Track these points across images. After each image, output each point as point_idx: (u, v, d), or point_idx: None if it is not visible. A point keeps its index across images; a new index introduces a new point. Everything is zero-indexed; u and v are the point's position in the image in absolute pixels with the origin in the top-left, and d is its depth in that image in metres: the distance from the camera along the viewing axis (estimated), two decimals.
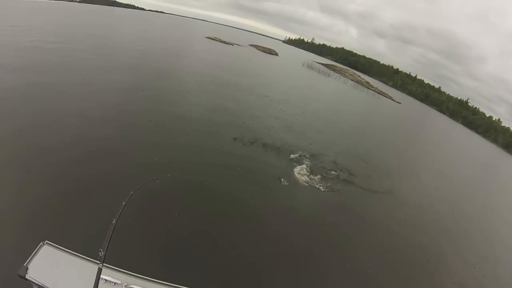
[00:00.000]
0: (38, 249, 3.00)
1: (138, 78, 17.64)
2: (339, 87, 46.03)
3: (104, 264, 2.55)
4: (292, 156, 11.98)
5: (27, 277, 2.73)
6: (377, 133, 23.40)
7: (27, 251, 3.11)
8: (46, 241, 3.07)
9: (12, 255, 4.76)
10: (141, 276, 2.81)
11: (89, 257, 2.86)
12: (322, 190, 10.29)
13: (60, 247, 3.01)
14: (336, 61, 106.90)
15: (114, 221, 2.85)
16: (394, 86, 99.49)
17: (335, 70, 75.07)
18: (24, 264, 2.80)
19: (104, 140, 9.78)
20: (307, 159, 12.09)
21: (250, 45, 78.49)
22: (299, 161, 11.71)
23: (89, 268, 2.79)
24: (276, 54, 68.40)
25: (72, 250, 2.98)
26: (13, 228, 5.83)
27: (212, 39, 63.50)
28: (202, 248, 6.39)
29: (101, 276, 2.65)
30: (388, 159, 17.48)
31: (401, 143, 23.18)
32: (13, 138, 8.38)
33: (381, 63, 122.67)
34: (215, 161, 10.10)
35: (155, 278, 2.84)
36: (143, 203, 6.39)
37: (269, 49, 70.96)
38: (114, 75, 17.15)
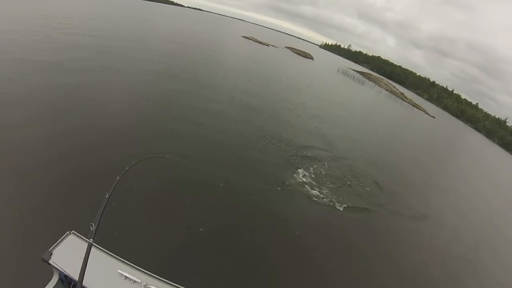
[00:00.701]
0: (64, 237, 3.08)
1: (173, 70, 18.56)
2: (372, 96, 45.20)
3: (121, 259, 2.67)
4: (305, 165, 11.16)
5: (50, 261, 2.79)
6: (406, 147, 22.22)
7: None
8: (73, 231, 3.15)
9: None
10: (160, 278, 2.83)
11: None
12: (339, 207, 9.40)
13: (86, 239, 3.00)
14: (372, 70, 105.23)
15: (107, 196, 2.87)
16: (429, 99, 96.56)
17: (369, 78, 73.89)
18: (49, 249, 2.87)
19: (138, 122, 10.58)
20: (321, 165, 11.61)
21: (286, 47, 78.64)
22: (307, 167, 11.06)
23: (111, 263, 2.89)
24: (311, 58, 68.00)
25: (95, 243, 2.95)
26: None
27: (248, 38, 64.18)
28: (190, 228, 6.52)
29: (121, 272, 2.76)
30: (414, 176, 16.16)
31: (431, 160, 21.56)
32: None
33: (417, 74, 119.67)
34: (230, 157, 10.14)
35: (170, 280, 2.83)
36: (137, 179, 6.84)
37: (305, 52, 70.78)
38: (152, 66, 18.23)
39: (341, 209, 9.35)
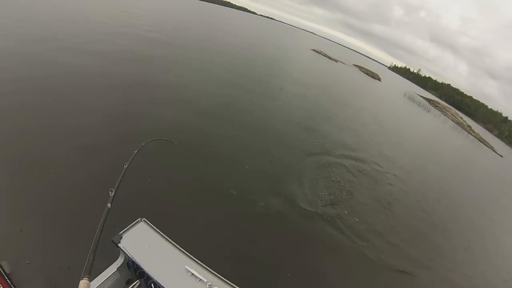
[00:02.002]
0: (135, 223, 3.25)
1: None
2: (436, 126, 44.28)
3: (189, 254, 2.76)
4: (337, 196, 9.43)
5: (119, 245, 2.94)
6: (464, 187, 18.60)
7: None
8: (144, 218, 3.31)
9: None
10: (226, 280, 2.87)
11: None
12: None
13: (156, 229, 3.20)
14: (440, 97, 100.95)
15: (125, 166, 3.01)
16: (499, 136, 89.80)
17: (436, 106, 71.45)
18: (119, 233, 3.03)
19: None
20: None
21: (354, 65, 78.92)
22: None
23: (179, 258, 3.00)
24: (379, 79, 67.64)
25: (163, 233, 3.16)
26: None
27: (317, 52, 65.76)
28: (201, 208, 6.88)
29: (188, 268, 2.87)
30: (467, 224, 12.77)
31: (492, 207, 17.51)
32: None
33: (489, 107, 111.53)
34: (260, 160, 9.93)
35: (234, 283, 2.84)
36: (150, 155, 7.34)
37: (373, 72, 70.69)
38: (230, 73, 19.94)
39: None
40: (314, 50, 67.02)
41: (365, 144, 16.07)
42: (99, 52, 15.75)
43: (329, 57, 64.59)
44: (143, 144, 3.72)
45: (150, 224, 3.27)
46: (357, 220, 8.65)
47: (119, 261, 3.08)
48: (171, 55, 20.10)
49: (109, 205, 2.22)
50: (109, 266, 3.02)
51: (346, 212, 8.75)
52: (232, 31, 51.15)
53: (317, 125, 15.61)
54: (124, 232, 3.08)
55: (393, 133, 22.35)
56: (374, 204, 10.15)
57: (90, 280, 1.60)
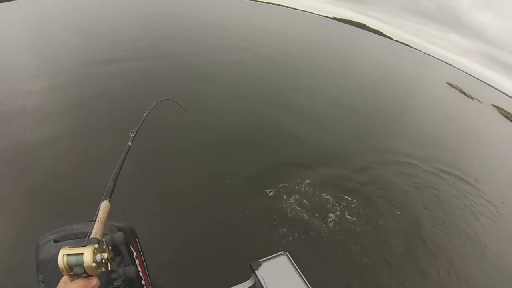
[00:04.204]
0: (277, 255, 3.28)
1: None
2: None
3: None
4: None
5: (256, 272, 2.99)
6: None
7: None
8: (287, 253, 3.31)
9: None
10: None
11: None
12: None
13: (297, 267, 3.17)
14: None
15: (145, 114, 3.05)
16: None
17: None
18: (259, 260, 3.09)
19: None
20: None
21: (493, 105, 70.09)
22: None
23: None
24: None
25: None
26: None
27: (452, 86, 61.04)
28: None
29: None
30: None
31: None
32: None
33: None
34: None
35: None
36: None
37: None
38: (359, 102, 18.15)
39: None
40: (448, 84, 62.41)
41: None
42: None
43: (465, 93, 59.40)
44: (160, 100, 3.90)
45: (292, 260, 3.30)
46: None
47: (248, 283, 3.15)
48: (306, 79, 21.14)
49: (129, 143, 2.25)
50: (237, 285, 3.10)
51: None
52: (366, 57, 50.76)
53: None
54: (264, 260, 3.18)
55: None
56: None
57: None
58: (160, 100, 3.81)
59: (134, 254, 1.65)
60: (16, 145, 6.94)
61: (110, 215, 1.54)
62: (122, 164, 1.86)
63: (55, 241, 1.46)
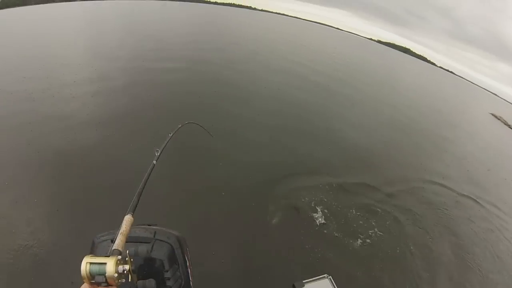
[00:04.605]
0: (320, 278, 3.41)
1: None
2: None
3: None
4: None
5: None
6: None
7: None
8: (330, 276, 3.44)
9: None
10: None
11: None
12: None
13: None
14: None
15: (170, 135, 3.08)
16: None
17: None
18: (303, 281, 3.17)
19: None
20: None
21: None
22: None
23: None
24: None
25: None
26: None
27: (496, 117, 59.41)
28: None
29: None
30: None
31: None
32: None
33: None
34: None
35: None
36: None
37: None
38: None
39: None
40: (493, 115, 60.80)
41: None
42: None
43: (509, 126, 57.71)
44: (185, 122, 3.87)
45: (334, 283, 3.35)
46: None
47: None
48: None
49: (154, 161, 2.22)
50: None
51: None
52: (408, 83, 49.14)
53: None
54: (308, 281, 3.25)
55: None
56: None
57: None
58: (186, 122, 3.82)
59: (188, 263, 1.68)
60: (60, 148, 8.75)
61: (163, 222, 1.71)
62: (146, 181, 1.91)
63: (112, 241, 1.46)
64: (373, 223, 8.10)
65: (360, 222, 8.04)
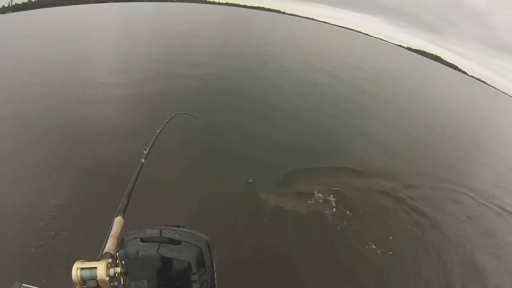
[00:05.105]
0: None
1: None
2: None
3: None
4: None
5: None
6: None
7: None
8: None
9: None
10: None
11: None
12: None
13: None
14: None
15: (158, 131, 3.02)
16: None
17: None
18: None
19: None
20: None
21: None
22: None
23: None
24: None
25: None
26: None
27: None
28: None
29: None
30: None
31: None
32: None
33: None
34: None
35: None
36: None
37: None
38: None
39: None
40: None
41: None
42: None
43: None
44: (173, 115, 3.81)
45: None
46: None
47: None
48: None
49: (143, 160, 2.19)
50: None
51: None
52: (440, 93, 45.68)
53: None
54: None
55: None
56: None
57: None
58: (173, 115, 3.72)
59: (214, 267, 1.62)
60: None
61: (192, 224, 1.66)
62: (135, 180, 1.89)
63: (142, 240, 1.48)
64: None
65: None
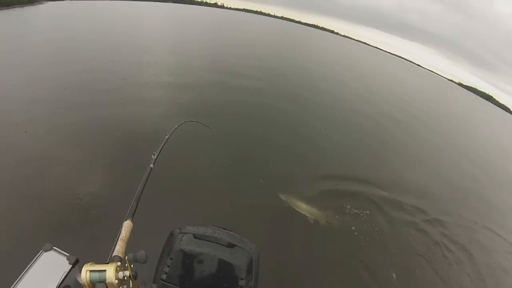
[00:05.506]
0: None
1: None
2: None
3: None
4: None
5: None
6: None
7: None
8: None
9: None
10: None
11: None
12: None
13: None
14: None
15: (166, 137, 2.99)
16: None
17: None
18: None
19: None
20: None
21: None
22: None
23: None
24: None
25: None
26: None
27: None
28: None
29: None
30: None
31: None
32: None
33: None
34: None
35: None
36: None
37: None
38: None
39: None
40: None
41: None
42: None
43: None
44: (182, 122, 3.77)
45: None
46: None
47: None
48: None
49: (151, 165, 2.18)
50: None
51: None
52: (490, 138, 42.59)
53: None
54: None
55: None
56: None
57: None
58: (182, 122, 3.72)
59: (258, 276, 1.64)
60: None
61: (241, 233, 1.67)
62: (144, 185, 1.90)
63: (195, 236, 1.51)
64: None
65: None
